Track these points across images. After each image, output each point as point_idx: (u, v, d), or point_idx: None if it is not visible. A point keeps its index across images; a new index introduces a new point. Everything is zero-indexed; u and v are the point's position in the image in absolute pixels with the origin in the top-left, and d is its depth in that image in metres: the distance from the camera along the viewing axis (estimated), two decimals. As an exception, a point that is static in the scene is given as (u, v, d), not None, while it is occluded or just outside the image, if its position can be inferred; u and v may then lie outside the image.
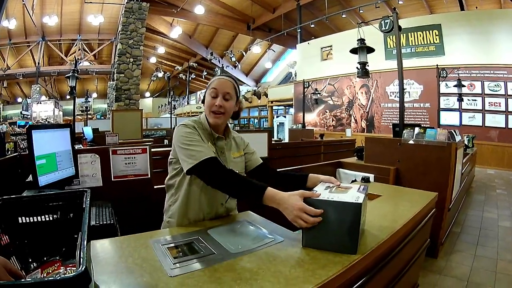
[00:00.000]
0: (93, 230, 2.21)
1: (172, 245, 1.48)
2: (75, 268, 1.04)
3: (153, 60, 28.06)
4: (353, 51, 5.62)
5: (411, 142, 3.69)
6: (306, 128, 13.50)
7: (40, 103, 17.95)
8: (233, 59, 20.08)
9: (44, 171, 2.45)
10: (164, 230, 1.81)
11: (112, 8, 18.76)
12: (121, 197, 3.14)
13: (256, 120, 23.08)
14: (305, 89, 13.41)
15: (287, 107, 20.91)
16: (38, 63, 22.31)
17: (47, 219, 1.33)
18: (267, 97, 20.86)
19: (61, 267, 1.26)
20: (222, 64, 13.89)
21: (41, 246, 1.38)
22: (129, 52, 13.60)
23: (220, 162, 1.72)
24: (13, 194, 2.18)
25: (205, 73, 23.66)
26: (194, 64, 25.88)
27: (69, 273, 1.03)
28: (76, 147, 5.87)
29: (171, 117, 15.24)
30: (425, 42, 12.42)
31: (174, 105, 21.87)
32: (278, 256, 1.35)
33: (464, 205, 5.71)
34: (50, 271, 1.30)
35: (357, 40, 5.49)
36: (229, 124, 2.05)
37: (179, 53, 27.73)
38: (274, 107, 21.40)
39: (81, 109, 18.36)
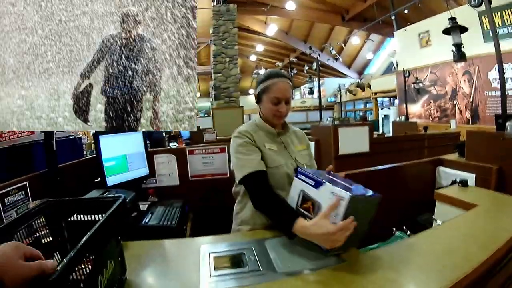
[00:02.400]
0: (152, 231, 2.31)
1: (221, 254, 1.41)
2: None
3: (253, 58, 28.60)
4: (446, 31, 5.20)
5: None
6: (410, 120, 12.80)
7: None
8: (333, 52, 19.65)
9: (113, 172, 2.59)
10: (219, 237, 1.72)
11: (202, 12, 19.36)
12: (198, 195, 3.21)
13: (361, 113, 22.38)
14: (406, 78, 12.76)
15: (391, 98, 20.11)
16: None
17: (91, 218, 1.35)
18: (370, 88, 20.21)
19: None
20: (318, 57, 13.60)
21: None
22: (223, 52, 13.93)
23: (265, 177, 1.72)
24: (83, 192, 2.32)
25: (307, 67, 23.47)
26: (294, 59, 25.85)
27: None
28: (172, 145, 6.16)
29: (273, 113, 15.26)
30: (522, 20, 10.69)
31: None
32: (329, 284, 1.15)
33: None
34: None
35: (448, 19, 5.04)
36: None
37: (278, 50, 27.90)
38: (379, 99, 20.70)
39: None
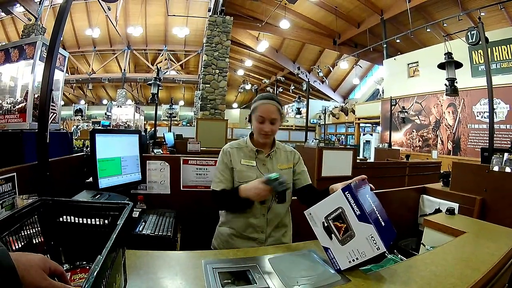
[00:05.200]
0: (147, 240, 2.22)
1: (225, 270, 1.40)
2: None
3: (240, 72, 28.69)
4: (441, 66, 5.29)
5: (496, 169, 3.28)
6: (392, 147, 12.87)
7: (121, 106, 18.81)
8: (321, 74, 19.88)
9: (106, 174, 2.50)
10: (220, 251, 1.88)
11: (197, 21, 19.36)
12: (189, 207, 3.14)
13: (343, 137, 22.60)
14: (392, 106, 12.93)
15: (374, 125, 20.33)
16: (124, 70, 23.56)
17: (88, 222, 1.30)
18: (354, 113, 20.42)
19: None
20: (308, 79, 13.67)
21: (76, 250, 1.36)
22: (214, 64, 13.95)
23: (221, 192, 2.13)
24: (72, 191, 2.25)
25: (293, 87, 23.64)
26: (281, 78, 25.96)
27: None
28: (156, 151, 6.06)
29: (255, 129, 15.30)
30: (510, 57, 10.94)
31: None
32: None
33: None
34: (77, 278, 1.27)
35: (444, 54, 5.15)
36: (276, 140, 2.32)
37: (267, 67, 28.02)
38: (361, 125, 20.90)
39: (167, 115, 19.13)
